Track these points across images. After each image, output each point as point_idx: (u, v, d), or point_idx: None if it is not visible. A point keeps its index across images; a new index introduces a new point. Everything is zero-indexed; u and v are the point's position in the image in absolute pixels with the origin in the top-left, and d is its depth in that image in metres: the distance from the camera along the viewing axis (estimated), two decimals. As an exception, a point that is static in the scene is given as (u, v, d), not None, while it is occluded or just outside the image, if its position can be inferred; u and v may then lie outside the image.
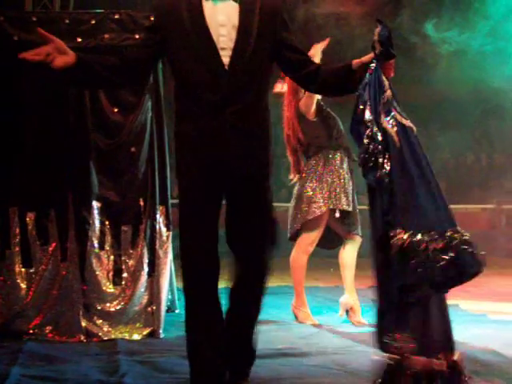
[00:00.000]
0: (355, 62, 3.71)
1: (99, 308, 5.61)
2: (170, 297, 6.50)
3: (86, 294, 5.60)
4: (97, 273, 5.62)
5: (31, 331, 5.49)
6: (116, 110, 5.82)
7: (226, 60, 3.68)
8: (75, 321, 5.50)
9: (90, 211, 5.63)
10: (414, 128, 3.53)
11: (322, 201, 6.11)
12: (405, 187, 3.43)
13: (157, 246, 5.71)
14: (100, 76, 3.69)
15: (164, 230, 5.77)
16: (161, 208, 5.77)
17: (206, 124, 3.68)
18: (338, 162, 6.20)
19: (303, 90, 6.10)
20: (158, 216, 5.73)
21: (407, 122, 3.51)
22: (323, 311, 6.90)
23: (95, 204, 5.68)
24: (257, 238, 3.83)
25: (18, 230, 5.60)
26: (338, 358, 4.78)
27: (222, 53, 3.68)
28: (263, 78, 3.83)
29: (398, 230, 3.35)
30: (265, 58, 3.78)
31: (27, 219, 5.60)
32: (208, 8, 3.69)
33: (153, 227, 5.71)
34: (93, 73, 3.66)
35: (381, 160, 3.43)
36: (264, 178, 3.84)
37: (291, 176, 6.36)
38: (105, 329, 5.57)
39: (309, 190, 6.17)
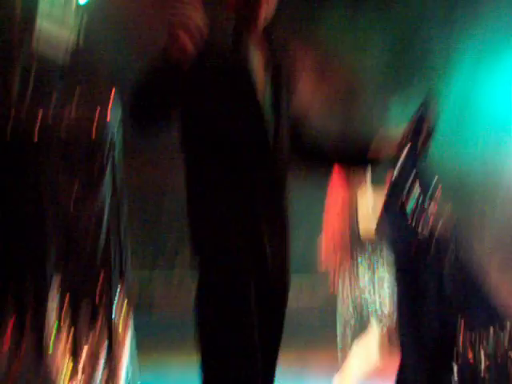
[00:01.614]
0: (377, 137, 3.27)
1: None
2: (129, 373, 6.46)
3: (43, 370, 5.55)
4: (55, 347, 5.61)
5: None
6: (72, 201, 5.85)
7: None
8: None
9: (49, 284, 5.63)
10: None
11: None
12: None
13: (116, 321, 5.74)
14: None
15: (124, 303, 5.80)
16: (121, 281, 5.82)
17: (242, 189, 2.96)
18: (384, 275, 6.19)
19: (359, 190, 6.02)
20: (118, 289, 5.77)
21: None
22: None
23: (54, 276, 5.71)
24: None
25: (-27, 303, 5.60)
26: None
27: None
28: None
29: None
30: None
31: (-16, 291, 5.59)
32: None
33: (112, 300, 5.74)
34: None
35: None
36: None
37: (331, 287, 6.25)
38: (65, 405, 5.54)
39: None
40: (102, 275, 5.81)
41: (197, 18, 2.55)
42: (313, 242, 6.29)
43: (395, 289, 3.15)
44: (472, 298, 3.06)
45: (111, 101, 6.51)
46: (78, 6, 7.75)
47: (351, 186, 6.11)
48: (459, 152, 10.62)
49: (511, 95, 10.76)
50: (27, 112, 6.07)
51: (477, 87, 10.72)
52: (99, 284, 5.77)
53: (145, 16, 9.67)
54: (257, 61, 3.00)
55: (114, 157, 6.02)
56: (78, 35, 7.74)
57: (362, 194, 6.07)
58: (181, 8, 2.53)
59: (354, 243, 6.06)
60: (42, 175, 5.85)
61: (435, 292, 3.00)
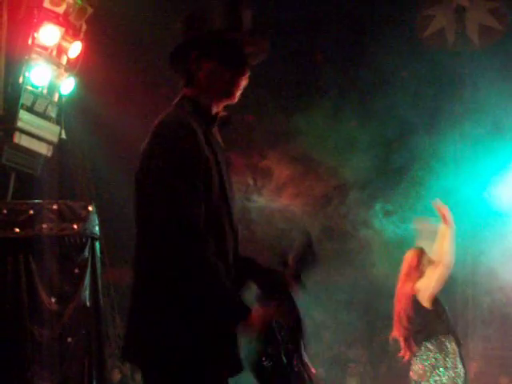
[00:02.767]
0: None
1: None
2: None
3: None
4: None
5: None
6: (53, 300, 5.75)
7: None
8: None
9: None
10: None
11: None
12: None
13: None
14: None
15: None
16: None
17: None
18: (449, 346, 6.09)
19: (417, 272, 6.19)
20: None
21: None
22: None
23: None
24: None
25: None
26: None
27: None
28: None
29: None
30: None
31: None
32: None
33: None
34: None
35: None
36: None
37: (402, 354, 6.19)
38: None
39: (425, 378, 6.04)
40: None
41: None
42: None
43: None
44: None
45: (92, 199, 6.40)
46: (60, 96, 7.71)
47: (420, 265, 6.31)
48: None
49: (487, 190, 11.02)
50: (8, 206, 5.90)
51: (457, 185, 10.90)
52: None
53: (125, 108, 9.68)
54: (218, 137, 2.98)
55: (94, 254, 5.85)
56: (61, 127, 7.66)
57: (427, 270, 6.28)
58: None
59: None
60: (22, 270, 5.66)
61: None
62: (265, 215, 11.76)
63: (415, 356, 6.17)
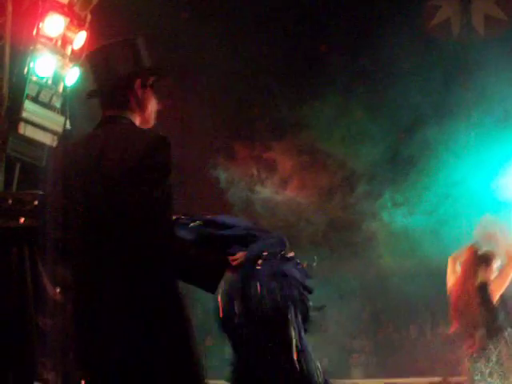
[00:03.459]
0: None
1: None
2: None
3: None
4: None
5: None
6: (58, 289, 5.73)
7: None
8: None
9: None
10: None
11: None
12: None
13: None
14: None
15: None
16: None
17: None
18: (508, 339, 6.01)
19: (475, 268, 6.17)
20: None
21: None
22: None
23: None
24: None
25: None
26: None
27: None
28: None
29: None
30: None
31: (-35, 404, 5.34)
32: None
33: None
34: None
35: None
36: None
37: (468, 348, 6.07)
38: None
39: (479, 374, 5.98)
40: None
41: None
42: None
43: None
44: None
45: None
46: (65, 87, 7.70)
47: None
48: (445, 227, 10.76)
49: (496, 181, 11.03)
50: (13, 196, 5.88)
51: (465, 175, 10.90)
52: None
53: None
54: None
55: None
56: (65, 117, 7.65)
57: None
58: None
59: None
60: (26, 260, 5.64)
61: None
62: (270, 207, 11.73)
63: (477, 353, 6.03)
